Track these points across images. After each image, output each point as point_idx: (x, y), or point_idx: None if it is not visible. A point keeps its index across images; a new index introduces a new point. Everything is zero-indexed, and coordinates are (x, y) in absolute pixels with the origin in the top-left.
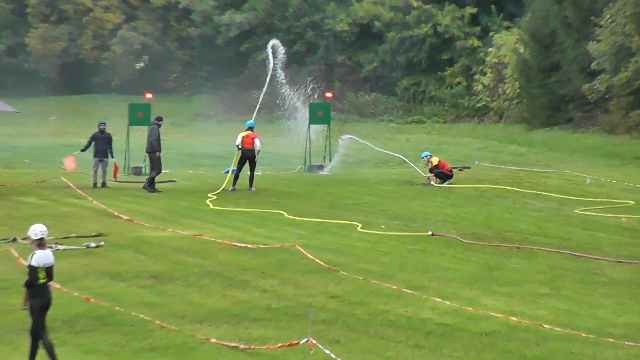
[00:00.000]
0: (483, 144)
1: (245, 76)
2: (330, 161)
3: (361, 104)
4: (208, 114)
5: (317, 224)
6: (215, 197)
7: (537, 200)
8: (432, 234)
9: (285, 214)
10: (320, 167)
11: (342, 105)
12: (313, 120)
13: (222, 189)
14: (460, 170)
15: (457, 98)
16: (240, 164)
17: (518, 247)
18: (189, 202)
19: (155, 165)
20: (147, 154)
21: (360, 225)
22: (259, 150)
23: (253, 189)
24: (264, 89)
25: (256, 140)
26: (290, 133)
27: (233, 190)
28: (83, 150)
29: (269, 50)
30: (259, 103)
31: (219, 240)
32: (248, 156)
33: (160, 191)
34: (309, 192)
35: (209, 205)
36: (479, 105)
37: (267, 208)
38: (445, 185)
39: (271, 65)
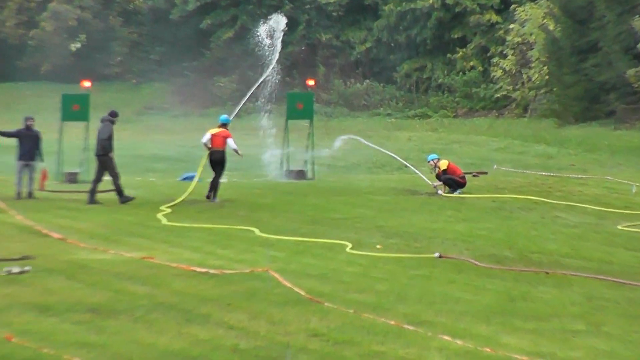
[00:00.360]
0: (503, 144)
1: (207, 60)
2: (314, 165)
3: (351, 94)
4: (161, 106)
5: (296, 243)
6: (169, 210)
7: (571, 214)
8: (440, 256)
9: (256, 231)
10: (301, 172)
11: (327, 96)
12: (291, 114)
13: (181, 200)
14: (474, 176)
15: (470, 87)
16: (213, 168)
17: (547, 273)
18: (136, 216)
19: (110, 170)
20: (96, 157)
21: (350, 245)
22: (236, 150)
23: (216, 200)
24: (264, 76)
25: (229, 141)
26: (263, 130)
27: (213, 201)
28: (2, 134)
29: (279, 25)
30: (248, 96)
31: (173, 265)
32: (216, 159)
33: (100, 203)
34: (286, 204)
35: (161, 221)
36: (498, 95)
37: (233, 224)
38: (456, 194)
39: (277, 49)
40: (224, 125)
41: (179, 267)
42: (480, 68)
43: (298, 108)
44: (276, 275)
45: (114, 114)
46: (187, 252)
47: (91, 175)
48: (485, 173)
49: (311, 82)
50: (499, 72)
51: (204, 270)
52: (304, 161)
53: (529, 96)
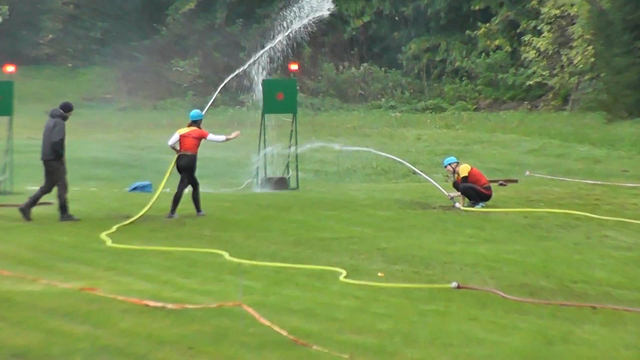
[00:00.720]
0: (537, 144)
1: (162, 38)
2: (298, 171)
3: (345, 82)
4: (104, 97)
5: (276, 270)
6: (115, 229)
7: (624, 233)
8: (458, 287)
9: (226, 254)
10: (282, 180)
11: (315, 83)
12: (269, 107)
13: (142, 215)
14: (501, 185)
15: (495, 72)
16: (180, 175)
17: (594, 307)
18: (74, 237)
19: (59, 178)
20: (43, 162)
21: (343, 273)
22: (224, 140)
23: (175, 215)
24: (255, 58)
25: (210, 138)
26: (235, 128)
27: (172, 216)
28: None
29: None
30: (223, 85)
31: (121, 298)
32: (184, 166)
33: (76, 219)
34: (264, 221)
35: (105, 242)
36: (530, 83)
37: (197, 246)
38: (478, 208)
39: (303, 21)
40: (195, 122)
41: (127, 300)
42: (508, 48)
43: (277, 99)
44: (251, 310)
45: (66, 107)
46: (139, 281)
47: (21, 184)
48: (515, 181)
49: (294, 67)
50: (532, 54)
51: (159, 304)
52: (285, 166)
53: (570, 84)
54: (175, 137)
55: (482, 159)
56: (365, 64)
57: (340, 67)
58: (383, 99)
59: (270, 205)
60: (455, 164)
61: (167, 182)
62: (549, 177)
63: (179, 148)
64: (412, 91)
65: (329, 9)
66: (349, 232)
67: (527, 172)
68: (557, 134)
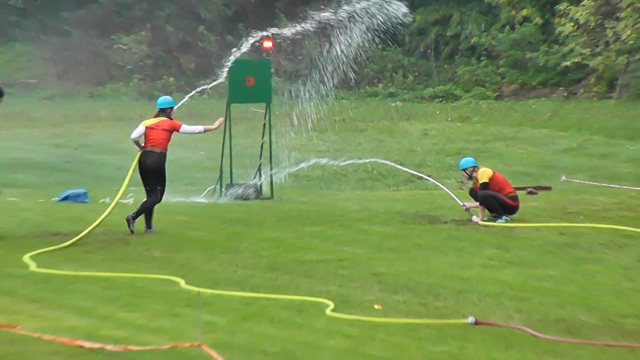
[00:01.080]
0: (576, 141)
1: (101, 9)
2: (272, 176)
3: (332, 63)
4: (26, 82)
5: (245, 302)
6: (42, 251)
7: None
8: (476, 322)
9: (181, 282)
10: (253, 188)
11: (294, 65)
12: (237, 94)
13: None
14: (530, 193)
15: (523, 50)
16: (144, 180)
17: None
18: None
19: None
20: None
21: (331, 305)
22: (202, 131)
23: (152, 230)
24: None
25: (184, 129)
26: (192, 121)
27: (148, 231)
28: None
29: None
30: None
31: (47, 337)
32: (150, 166)
33: None
34: (230, 239)
35: (29, 266)
36: (567, 63)
37: (146, 271)
38: (501, 223)
39: None
40: (163, 111)
41: (56, 340)
42: (539, 20)
43: (247, 85)
44: (213, 353)
45: None
46: (70, 316)
47: None
48: (548, 188)
49: (268, 44)
50: (569, 27)
51: (96, 345)
52: (256, 170)
53: (617, 65)
54: (140, 130)
55: (506, 161)
56: (357, 41)
57: (325, 45)
58: (380, 85)
59: (237, 219)
60: (473, 167)
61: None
62: (590, 183)
63: (143, 144)
64: (416, 75)
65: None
66: (338, 253)
67: (563, 177)
68: (600, 129)
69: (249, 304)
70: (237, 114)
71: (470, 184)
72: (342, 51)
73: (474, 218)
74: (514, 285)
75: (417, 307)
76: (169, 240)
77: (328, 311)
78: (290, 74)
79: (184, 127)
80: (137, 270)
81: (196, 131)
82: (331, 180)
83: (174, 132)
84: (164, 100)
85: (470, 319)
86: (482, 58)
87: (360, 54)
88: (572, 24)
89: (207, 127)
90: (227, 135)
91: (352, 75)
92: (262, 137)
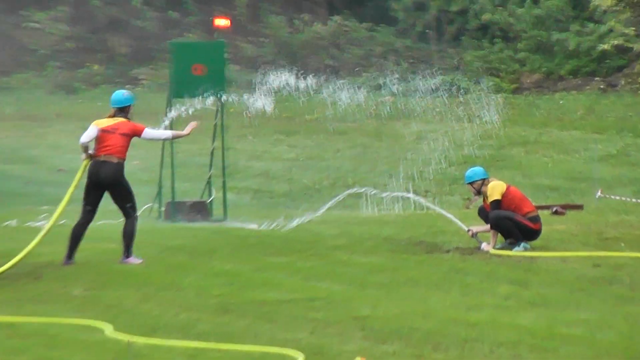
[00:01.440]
0: (616, 146)
1: None
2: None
3: (304, 46)
4: None
5: (189, 354)
6: None
7: None
8: None
9: (108, 328)
10: (200, 206)
11: (255, 49)
12: (181, 86)
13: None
14: (556, 213)
15: (548, 30)
16: (90, 196)
17: None
18: None
19: None
20: None
21: (300, 359)
22: (169, 137)
23: (132, 258)
24: None
25: (148, 133)
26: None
27: (68, 263)
28: None
29: None
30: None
31: None
32: (106, 180)
33: None
34: (171, 272)
35: None
36: (605, 46)
37: (62, 315)
38: (518, 252)
39: None
40: (121, 110)
41: None
42: None
43: (194, 74)
44: None
45: None
46: None
47: None
48: (580, 207)
49: (222, 22)
50: (607, 0)
51: None
52: (205, 183)
53: None
54: (91, 132)
55: (525, 171)
56: (336, 18)
57: (297, 23)
58: (365, 74)
59: (181, 246)
60: (482, 180)
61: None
62: (634, 200)
63: (95, 151)
64: (412, 61)
65: None
66: (310, 290)
67: (600, 193)
68: None
69: (194, 356)
70: (178, 111)
71: (479, 201)
72: (317, 32)
73: (484, 246)
74: (535, 332)
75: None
76: (93, 274)
77: None
78: (250, 60)
79: (148, 132)
80: (51, 313)
81: (163, 137)
82: (301, 197)
83: (135, 138)
84: (121, 96)
85: None
86: (496, 40)
87: (342, 35)
88: None
89: (177, 132)
90: (168, 139)
91: (330, 61)
92: (213, 142)
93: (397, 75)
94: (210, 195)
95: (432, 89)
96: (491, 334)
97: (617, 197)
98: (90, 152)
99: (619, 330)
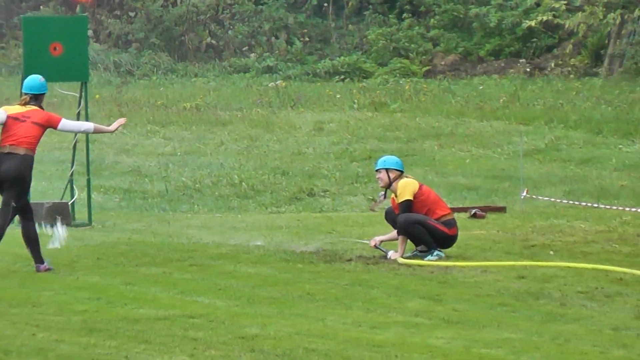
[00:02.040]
0: (544, 139)
1: None
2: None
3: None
4: None
5: None
6: None
7: None
8: None
9: None
10: (60, 209)
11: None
12: (34, 69)
13: None
14: (475, 216)
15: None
16: None
17: None
18: None
19: None
20: None
21: None
22: (89, 130)
23: (44, 266)
24: None
25: (67, 124)
26: None
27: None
28: None
29: None
30: None
31: None
32: (10, 174)
33: None
34: (27, 285)
35: None
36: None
37: None
38: (432, 260)
39: None
40: (36, 98)
41: None
42: None
43: (52, 55)
44: None
45: None
46: None
47: None
48: (502, 210)
49: None
50: None
51: None
52: (66, 182)
53: (607, 26)
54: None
55: (439, 168)
56: None
57: None
58: (252, 55)
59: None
60: (397, 173)
61: None
62: (564, 201)
63: None
64: (307, 40)
65: None
66: (189, 306)
67: (525, 193)
68: (580, 121)
69: None
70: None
71: (386, 202)
72: (194, 5)
73: (391, 254)
74: (450, 354)
75: None
76: None
77: None
78: (117, 38)
79: (65, 123)
80: None
81: (82, 129)
82: (179, 199)
83: (49, 130)
84: (37, 81)
85: None
86: (404, 16)
87: (225, 10)
88: None
89: (101, 127)
90: None
91: (210, 40)
92: (75, 135)
93: (289, 57)
94: (72, 195)
95: (330, 72)
96: (399, 356)
97: (546, 198)
98: None
99: (547, 352)
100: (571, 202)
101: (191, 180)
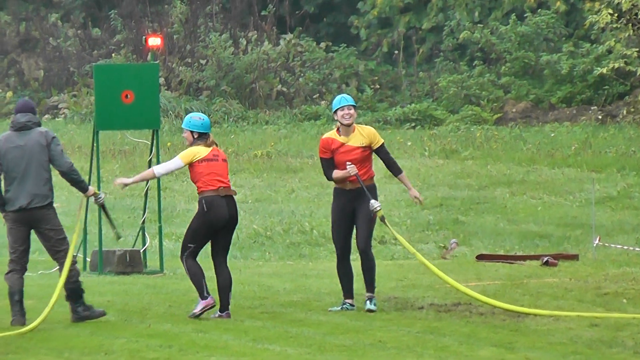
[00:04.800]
0: (617, 187)
1: None
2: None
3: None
4: None
5: None
6: None
7: None
8: None
9: None
10: (132, 256)
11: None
12: (106, 117)
13: None
14: (547, 264)
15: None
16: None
17: None
18: None
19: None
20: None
21: None
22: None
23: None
24: None
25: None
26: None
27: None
28: None
29: None
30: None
31: None
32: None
33: None
34: (98, 333)
35: None
36: (603, 70)
37: None
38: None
39: None
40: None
41: None
42: (561, 6)
43: (123, 102)
44: None
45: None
46: None
47: None
48: (575, 257)
49: (155, 41)
50: (606, 15)
51: None
52: (139, 230)
53: None
54: None
55: (511, 216)
56: (288, 37)
57: (242, 42)
58: (323, 102)
59: (110, 303)
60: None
61: None
62: (637, 249)
63: None
64: (377, 87)
65: None
66: (260, 354)
67: (597, 241)
68: None
69: None
70: (107, 145)
71: (457, 250)
72: (265, 52)
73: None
74: None
75: None
76: (6, 337)
77: None
78: (188, 86)
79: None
80: None
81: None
82: (250, 246)
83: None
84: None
85: None
86: (475, 63)
87: (295, 57)
88: (610, 10)
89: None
90: (94, 178)
91: (280, 87)
92: (147, 181)
93: (359, 104)
94: (144, 243)
95: (400, 120)
96: None
97: (618, 246)
98: None
99: None
100: None
101: (262, 227)
